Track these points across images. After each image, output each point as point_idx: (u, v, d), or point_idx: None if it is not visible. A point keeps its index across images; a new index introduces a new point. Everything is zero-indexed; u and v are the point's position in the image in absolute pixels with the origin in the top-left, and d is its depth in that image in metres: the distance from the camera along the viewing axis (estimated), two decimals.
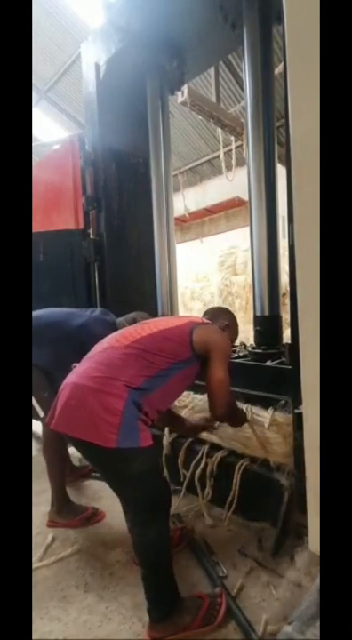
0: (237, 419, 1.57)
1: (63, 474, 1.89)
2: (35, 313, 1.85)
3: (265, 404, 1.61)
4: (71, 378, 1.23)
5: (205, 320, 1.48)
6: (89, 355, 1.32)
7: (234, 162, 4.44)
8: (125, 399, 1.13)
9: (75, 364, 1.59)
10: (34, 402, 1.81)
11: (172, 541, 1.53)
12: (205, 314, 1.63)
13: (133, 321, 1.91)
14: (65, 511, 1.80)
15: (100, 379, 1.17)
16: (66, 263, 2.65)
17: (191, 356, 1.28)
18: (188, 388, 1.51)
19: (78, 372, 1.23)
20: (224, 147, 4.59)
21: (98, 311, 2.02)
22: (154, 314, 2.51)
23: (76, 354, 1.44)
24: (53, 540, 1.68)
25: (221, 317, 1.58)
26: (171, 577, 1.20)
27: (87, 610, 1.31)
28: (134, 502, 1.20)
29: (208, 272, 6.01)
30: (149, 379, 1.21)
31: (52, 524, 1.78)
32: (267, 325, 1.93)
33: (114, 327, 1.89)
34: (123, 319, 1.94)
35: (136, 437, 1.12)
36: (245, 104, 1.97)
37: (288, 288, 1.45)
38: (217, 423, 1.70)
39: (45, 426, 1.72)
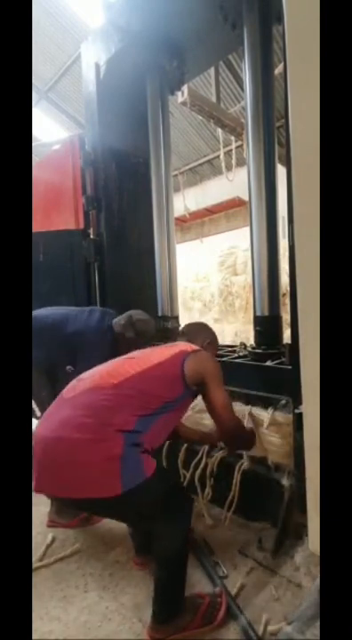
0: (247, 440, 1.51)
1: None
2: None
3: (265, 403, 1.61)
4: (48, 428, 1.10)
5: (193, 347, 1.38)
6: (67, 394, 1.20)
7: (234, 162, 4.44)
8: (121, 444, 1.06)
9: (70, 367, 1.59)
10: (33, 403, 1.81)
11: None
12: (183, 333, 1.60)
13: (129, 319, 1.90)
14: (64, 511, 1.80)
15: (88, 426, 1.06)
16: (66, 263, 2.65)
17: (184, 391, 1.24)
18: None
19: (58, 421, 1.10)
20: (224, 147, 4.59)
21: (97, 313, 1.99)
22: (154, 314, 2.51)
23: (70, 358, 1.43)
24: (53, 540, 1.68)
25: (201, 335, 1.56)
26: (183, 582, 1.19)
27: (87, 610, 1.31)
28: (155, 522, 1.17)
29: (208, 272, 6.00)
30: (142, 419, 1.13)
31: (51, 523, 1.78)
32: (267, 325, 1.93)
33: (110, 332, 1.87)
34: (118, 319, 1.93)
35: (139, 474, 1.06)
36: (245, 104, 1.96)
37: (288, 288, 1.45)
38: None
39: None
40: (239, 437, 1.41)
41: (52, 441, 1.07)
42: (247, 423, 1.61)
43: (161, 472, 1.17)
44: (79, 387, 1.20)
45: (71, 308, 2.03)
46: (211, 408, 1.30)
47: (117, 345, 1.86)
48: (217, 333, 1.71)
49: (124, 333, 1.88)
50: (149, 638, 1.16)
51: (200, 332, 1.59)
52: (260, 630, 1.15)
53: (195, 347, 1.39)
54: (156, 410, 1.16)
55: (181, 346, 1.38)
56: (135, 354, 1.36)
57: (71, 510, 1.80)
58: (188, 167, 8.49)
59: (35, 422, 2.01)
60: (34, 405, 1.86)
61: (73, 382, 1.26)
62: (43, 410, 1.70)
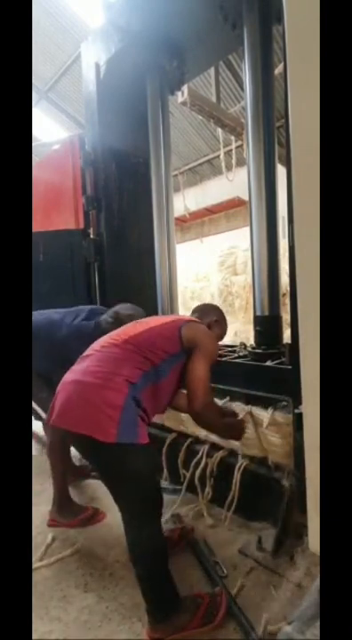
0: (217, 428, 1.48)
1: (65, 475, 1.89)
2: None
3: (265, 404, 1.61)
4: (70, 375, 1.25)
5: (195, 318, 1.50)
6: (87, 352, 1.34)
7: (234, 162, 4.44)
8: (125, 394, 1.15)
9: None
10: (33, 403, 1.81)
11: (172, 541, 1.53)
12: (194, 311, 1.64)
13: (116, 316, 1.85)
14: (65, 511, 1.80)
15: (100, 374, 1.19)
16: (66, 263, 2.65)
17: (180, 350, 1.31)
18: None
19: (78, 370, 1.25)
20: (224, 147, 4.59)
21: (84, 313, 1.94)
22: (154, 313, 2.51)
23: (61, 362, 1.43)
24: (53, 539, 1.68)
25: (210, 314, 1.60)
26: (168, 577, 1.20)
27: (87, 610, 1.31)
28: (129, 501, 1.20)
29: (208, 272, 6.00)
30: (145, 374, 1.23)
31: (52, 523, 1.78)
32: (267, 325, 1.93)
33: (97, 331, 1.79)
34: (105, 317, 1.87)
35: (135, 433, 1.14)
36: (245, 104, 1.96)
37: (288, 288, 1.44)
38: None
39: (48, 427, 1.72)
40: (208, 420, 1.35)
41: (71, 383, 1.21)
42: (246, 422, 1.61)
43: (152, 459, 1.28)
44: (96, 346, 1.35)
45: (58, 311, 1.98)
46: (187, 378, 1.30)
47: None
48: None
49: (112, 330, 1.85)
50: (148, 638, 1.16)
51: (209, 311, 1.63)
52: (260, 630, 1.15)
53: (196, 319, 1.49)
54: (155, 366, 1.26)
55: (184, 316, 1.50)
56: (141, 320, 1.48)
57: (71, 510, 1.80)
58: (187, 167, 8.50)
59: (35, 423, 2.03)
60: (37, 407, 1.86)
61: (94, 344, 1.38)
62: (45, 410, 1.70)
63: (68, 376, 1.26)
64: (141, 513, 1.18)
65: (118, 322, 1.79)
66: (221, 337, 1.64)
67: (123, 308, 1.91)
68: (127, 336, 1.31)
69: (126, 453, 1.14)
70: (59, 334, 1.84)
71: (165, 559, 1.20)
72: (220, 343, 1.64)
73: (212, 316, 1.58)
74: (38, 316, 1.93)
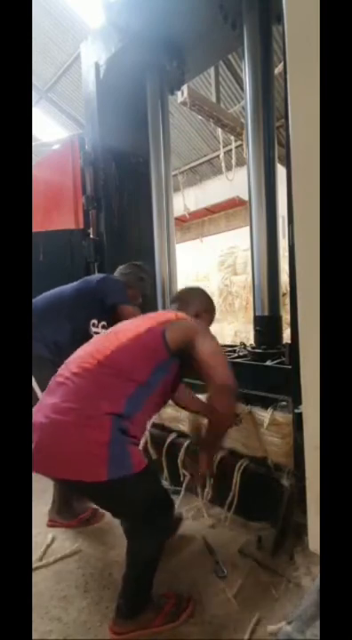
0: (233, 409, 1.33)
1: None
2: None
3: (265, 403, 1.61)
4: (42, 413, 1.10)
5: (179, 315, 1.32)
6: (57, 378, 1.19)
7: (234, 162, 4.44)
8: (110, 429, 1.05)
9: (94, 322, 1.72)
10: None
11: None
12: (175, 300, 1.50)
13: (134, 267, 2.03)
14: (65, 511, 1.79)
15: (77, 411, 1.06)
16: (66, 263, 2.65)
17: (169, 357, 1.19)
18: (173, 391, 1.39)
19: (50, 405, 1.10)
20: (224, 147, 4.59)
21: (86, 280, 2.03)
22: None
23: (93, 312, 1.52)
24: (53, 540, 1.68)
25: (195, 302, 1.46)
26: (151, 582, 1.20)
27: (87, 610, 1.31)
28: (132, 520, 1.17)
29: (208, 272, 6.00)
30: (131, 399, 1.11)
31: (51, 523, 1.78)
32: (267, 325, 1.93)
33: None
34: (123, 270, 2.03)
35: (128, 464, 1.06)
36: (245, 104, 1.96)
37: (288, 288, 1.44)
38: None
39: None
40: (232, 394, 1.21)
41: (45, 426, 1.06)
42: (246, 422, 1.61)
43: (151, 474, 1.17)
44: (67, 371, 1.17)
45: (54, 293, 2.01)
46: (198, 363, 1.16)
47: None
48: (217, 333, 1.68)
49: (140, 277, 2.02)
50: (111, 632, 1.17)
51: (193, 299, 1.46)
52: (248, 630, 1.16)
53: (180, 315, 1.32)
54: (142, 385, 1.13)
55: (165, 314, 1.33)
56: (118, 328, 1.32)
57: (71, 510, 1.80)
58: (187, 167, 8.49)
59: None
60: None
61: (62, 367, 1.22)
62: None
63: (40, 412, 1.10)
64: (144, 530, 1.15)
65: (142, 270, 1.99)
66: (210, 322, 1.52)
67: (129, 265, 2.08)
68: (102, 356, 1.14)
69: (123, 487, 1.06)
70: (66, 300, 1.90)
71: (156, 567, 1.21)
72: (220, 343, 1.63)
73: (196, 305, 1.45)
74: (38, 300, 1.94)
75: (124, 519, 1.21)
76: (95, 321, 1.87)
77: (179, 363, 1.25)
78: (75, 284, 2.02)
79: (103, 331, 1.65)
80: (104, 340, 1.25)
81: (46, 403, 1.13)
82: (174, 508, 1.26)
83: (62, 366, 1.24)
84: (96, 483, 1.02)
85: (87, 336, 1.52)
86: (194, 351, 1.19)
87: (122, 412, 1.08)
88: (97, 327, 1.87)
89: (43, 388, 1.46)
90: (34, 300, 1.89)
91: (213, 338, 1.26)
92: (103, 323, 1.88)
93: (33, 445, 1.05)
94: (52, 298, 1.90)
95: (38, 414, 1.10)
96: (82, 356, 1.20)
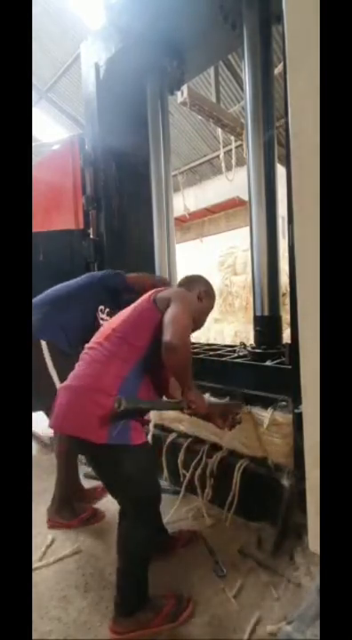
0: (190, 375, 1.28)
1: (68, 476, 1.87)
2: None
3: (265, 403, 1.61)
4: (66, 381, 1.28)
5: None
6: (81, 355, 1.35)
7: (234, 162, 4.44)
8: (115, 394, 1.15)
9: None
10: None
11: (177, 541, 1.57)
12: (181, 284, 1.59)
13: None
14: (64, 511, 1.79)
15: (90, 377, 1.21)
16: (66, 263, 2.65)
17: (161, 317, 1.25)
18: None
19: (71, 376, 1.28)
20: (224, 147, 4.59)
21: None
22: None
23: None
24: (53, 540, 1.68)
25: (199, 284, 1.54)
26: (145, 576, 1.23)
27: (87, 610, 1.31)
28: (124, 499, 1.23)
29: (208, 272, 5.99)
30: (136, 364, 1.23)
31: (51, 523, 1.78)
32: (267, 325, 1.93)
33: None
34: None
35: (126, 435, 1.15)
36: (245, 104, 1.96)
37: (288, 288, 1.44)
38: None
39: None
40: (181, 352, 1.17)
41: (64, 390, 1.24)
42: (246, 422, 1.61)
43: (148, 459, 1.29)
44: (87, 349, 1.34)
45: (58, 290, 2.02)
46: (165, 317, 1.21)
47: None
48: (217, 333, 1.69)
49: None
50: (111, 632, 1.18)
51: (195, 282, 1.56)
52: (248, 630, 1.16)
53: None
54: (144, 348, 1.24)
55: (158, 291, 1.41)
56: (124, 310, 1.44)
57: (71, 509, 1.80)
58: (187, 167, 8.48)
59: (35, 423, 2.02)
60: None
61: (87, 345, 1.37)
62: None
63: (66, 381, 1.29)
64: (135, 511, 1.21)
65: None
66: (210, 308, 1.58)
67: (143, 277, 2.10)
68: (110, 330, 1.30)
69: (119, 454, 1.16)
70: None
71: (149, 558, 1.24)
72: (220, 343, 1.63)
73: (200, 286, 1.53)
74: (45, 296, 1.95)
75: (116, 494, 1.26)
76: (102, 307, 1.93)
77: None
78: (80, 277, 2.09)
79: (109, 318, 1.77)
80: (110, 320, 1.42)
81: (72, 373, 1.29)
82: (161, 497, 1.30)
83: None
84: (96, 444, 1.11)
85: (95, 322, 1.70)
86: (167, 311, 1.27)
87: (128, 375, 1.20)
88: (103, 314, 1.94)
89: (58, 370, 1.60)
90: (45, 293, 1.94)
91: (189, 305, 1.31)
92: (108, 310, 1.96)
93: (56, 406, 1.23)
94: (61, 289, 1.96)
95: (66, 381, 1.28)
96: (97, 335, 1.37)
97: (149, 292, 1.37)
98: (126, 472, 1.18)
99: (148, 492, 1.24)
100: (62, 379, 1.39)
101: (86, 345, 1.36)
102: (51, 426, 1.24)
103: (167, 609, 1.22)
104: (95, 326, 1.60)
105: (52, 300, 1.85)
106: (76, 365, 1.31)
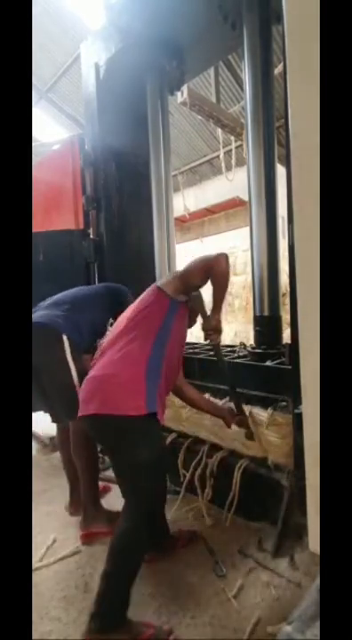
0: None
1: (96, 475, 1.77)
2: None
3: (265, 403, 1.61)
4: (91, 372, 1.35)
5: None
6: (102, 345, 1.45)
7: (234, 162, 4.44)
8: (144, 367, 1.25)
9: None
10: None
11: (177, 541, 1.56)
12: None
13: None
14: (100, 517, 1.69)
15: (115, 362, 1.28)
16: (66, 263, 2.65)
17: (170, 301, 1.36)
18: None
19: (97, 367, 1.34)
20: (224, 147, 4.59)
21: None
22: None
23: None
24: (54, 540, 1.68)
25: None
26: (129, 588, 1.16)
27: (87, 610, 1.30)
28: (135, 483, 1.24)
29: None
30: (155, 340, 1.31)
31: (89, 534, 1.65)
32: (267, 325, 1.93)
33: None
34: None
35: (155, 402, 1.24)
36: (245, 104, 1.96)
37: (288, 288, 1.44)
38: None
39: (74, 425, 1.69)
40: (225, 275, 1.45)
41: (90, 379, 1.31)
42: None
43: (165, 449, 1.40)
44: (105, 344, 1.43)
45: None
46: (191, 266, 1.41)
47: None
48: None
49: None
50: None
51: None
52: (248, 630, 1.15)
53: None
54: (159, 329, 1.33)
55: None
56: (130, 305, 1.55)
57: (102, 509, 1.74)
58: (187, 167, 8.48)
59: (35, 423, 2.02)
60: None
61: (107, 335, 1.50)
62: None
63: (90, 374, 1.35)
64: (138, 504, 1.23)
65: None
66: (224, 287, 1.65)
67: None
68: (125, 320, 1.39)
69: (150, 425, 1.24)
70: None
71: (138, 568, 1.19)
72: (220, 344, 1.63)
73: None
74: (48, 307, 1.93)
75: (129, 478, 1.28)
76: (112, 320, 1.96)
77: (182, 304, 1.42)
78: (97, 285, 2.16)
79: None
80: (122, 315, 1.49)
81: (95, 368, 1.35)
82: (166, 495, 1.38)
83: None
84: (134, 417, 1.19)
85: (104, 331, 1.78)
86: (184, 270, 1.41)
87: (149, 354, 1.28)
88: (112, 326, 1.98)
89: (75, 364, 1.66)
90: (63, 293, 1.97)
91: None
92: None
93: (82, 395, 1.30)
94: (78, 292, 2.00)
95: (89, 376, 1.33)
96: (111, 330, 1.48)
97: (151, 287, 1.46)
98: (151, 443, 1.24)
99: (159, 478, 1.29)
100: (78, 373, 1.58)
101: (101, 340, 1.44)
102: (80, 412, 1.28)
103: (145, 636, 1.14)
104: (103, 335, 1.72)
105: (71, 301, 1.89)
106: (96, 359, 1.38)
